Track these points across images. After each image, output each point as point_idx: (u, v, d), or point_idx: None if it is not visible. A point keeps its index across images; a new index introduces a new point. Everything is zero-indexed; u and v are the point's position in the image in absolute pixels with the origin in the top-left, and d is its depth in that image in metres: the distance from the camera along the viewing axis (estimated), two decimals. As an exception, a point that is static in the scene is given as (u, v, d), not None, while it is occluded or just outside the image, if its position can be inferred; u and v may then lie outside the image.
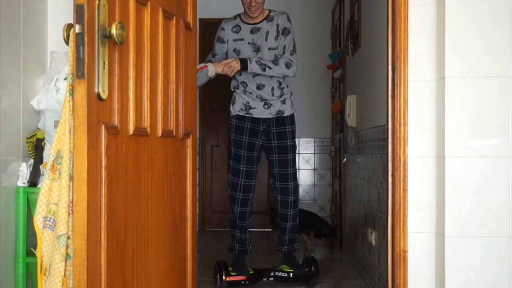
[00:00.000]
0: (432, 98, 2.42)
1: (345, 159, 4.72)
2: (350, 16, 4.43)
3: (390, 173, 2.46)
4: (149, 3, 1.82)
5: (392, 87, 2.45)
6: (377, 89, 3.33)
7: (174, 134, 2.07)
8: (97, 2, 1.51)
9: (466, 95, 2.29)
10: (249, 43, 3.58)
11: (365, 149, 3.78)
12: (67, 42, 1.73)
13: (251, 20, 3.60)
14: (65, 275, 1.74)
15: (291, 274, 3.66)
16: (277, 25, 3.58)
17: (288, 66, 3.54)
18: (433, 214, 2.41)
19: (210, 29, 6.11)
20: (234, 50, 3.61)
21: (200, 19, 5.64)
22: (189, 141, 2.21)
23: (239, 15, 3.67)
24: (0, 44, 2.30)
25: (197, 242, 2.34)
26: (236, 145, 3.62)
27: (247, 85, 3.60)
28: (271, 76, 3.56)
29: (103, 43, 1.54)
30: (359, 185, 4.01)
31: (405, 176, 2.41)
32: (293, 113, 3.70)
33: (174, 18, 2.04)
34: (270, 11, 3.63)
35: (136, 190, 1.76)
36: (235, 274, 3.60)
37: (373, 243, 3.37)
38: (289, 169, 3.66)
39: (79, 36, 1.47)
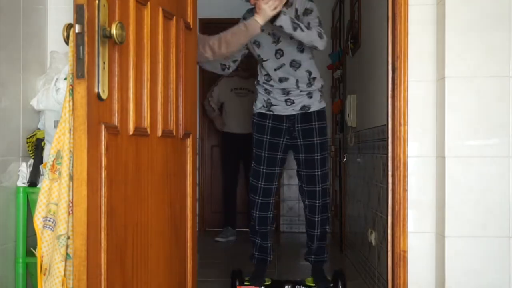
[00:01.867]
0: (432, 98, 2.42)
1: (345, 159, 4.72)
2: (350, 16, 4.43)
3: (390, 173, 2.46)
4: (149, 3, 1.82)
5: (392, 87, 2.45)
6: (377, 89, 3.33)
7: (174, 134, 2.07)
8: (97, 2, 1.51)
9: (466, 95, 2.29)
10: (269, 33, 3.25)
11: (365, 149, 3.78)
12: (67, 42, 1.73)
13: None
14: (65, 275, 1.74)
15: None
16: (296, 9, 3.24)
17: (320, 36, 3.14)
18: (433, 214, 2.42)
19: (210, 29, 6.11)
20: (255, 42, 3.29)
21: (200, 19, 5.62)
22: (189, 141, 2.21)
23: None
24: (0, 44, 2.30)
25: (197, 242, 2.34)
26: (257, 145, 3.32)
27: (270, 78, 3.29)
28: (301, 49, 3.23)
29: (103, 43, 1.54)
30: (359, 185, 4.01)
31: (405, 176, 2.41)
32: (322, 108, 3.33)
33: (174, 18, 2.04)
34: None
35: (136, 190, 1.76)
36: (249, 284, 3.30)
37: (373, 243, 3.37)
38: (316, 170, 3.30)
39: (79, 36, 1.47)
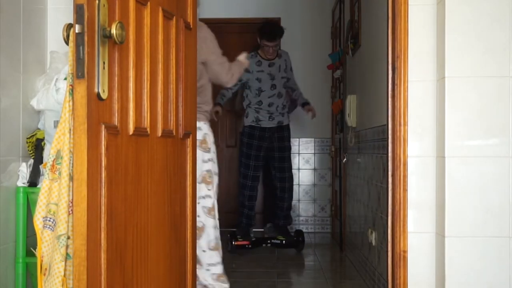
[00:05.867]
0: (432, 98, 2.42)
1: (345, 159, 4.72)
2: (350, 16, 4.43)
3: (390, 173, 2.46)
4: (149, 3, 1.82)
5: (392, 87, 2.45)
6: (377, 89, 3.33)
7: (174, 134, 2.07)
8: (97, 2, 1.51)
9: (466, 95, 2.29)
10: (268, 73, 4.88)
11: (365, 149, 3.78)
12: (67, 42, 1.73)
13: (267, 58, 4.87)
14: (65, 275, 1.74)
15: (284, 241, 4.88)
16: (285, 60, 4.99)
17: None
18: (433, 214, 2.41)
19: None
20: (257, 78, 4.87)
21: (200, 19, 5.63)
22: (189, 141, 2.21)
23: (257, 53, 4.90)
24: (0, 44, 2.30)
25: (197, 242, 2.34)
26: (248, 146, 4.94)
27: (262, 103, 4.91)
28: (280, 97, 4.96)
29: (103, 43, 1.54)
30: (359, 185, 4.01)
31: (405, 176, 2.41)
32: (288, 123, 5.05)
33: (174, 18, 2.04)
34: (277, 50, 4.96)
35: (136, 190, 1.76)
36: (242, 239, 4.79)
37: (373, 243, 3.37)
38: (286, 164, 5.02)
39: (79, 36, 1.47)
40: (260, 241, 4.92)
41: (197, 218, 2.74)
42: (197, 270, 2.77)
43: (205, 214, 2.77)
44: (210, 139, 2.80)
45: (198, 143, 2.73)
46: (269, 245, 4.88)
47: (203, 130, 2.77)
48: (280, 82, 4.93)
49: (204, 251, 2.77)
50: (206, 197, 2.78)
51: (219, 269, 2.80)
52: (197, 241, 2.76)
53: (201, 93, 2.81)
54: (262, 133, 4.95)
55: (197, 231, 2.74)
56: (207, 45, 2.81)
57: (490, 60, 2.29)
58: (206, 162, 2.78)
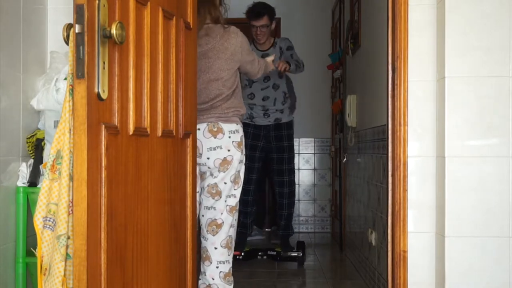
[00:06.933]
0: (432, 98, 2.42)
1: (345, 159, 4.72)
2: (350, 16, 4.43)
3: (390, 173, 2.47)
4: (149, 3, 1.82)
5: (392, 87, 2.45)
6: (377, 89, 3.33)
7: (174, 134, 2.07)
8: (97, 2, 1.51)
9: (466, 95, 2.30)
10: None
11: (365, 149, 3.78)
12: (67, 42, 1.73)
13: (260, 47, 4.49)
14: (65, 275, 1.74)
15: (280, 254, 4.37)
16: (280, 47, 4.53)
17: (302, 65, 4.47)
18: (433, 214, 2.42)
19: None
20: None
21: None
22: (189, 141, 2.21)
23: (253, 42, 4.48)
24: (0, 44, 2.30)
25: (196, 242, 2.34)
26: None
27: (254, 96, 4.48)
28: (276, 89, 4.48)
29: (103, 43, 1.54)
30: (359, 185, 4.01)
31: (405, 176, 2.41)
32: (290, 120, 4.56)
33: (174, 18, 2.04)
34: (274, 38, 4.60)
35: (136, 190, 1.76)
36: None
37: (373, 243, 3.37)
38: (284, 166, 4.53)
39: (79, 36, 1.47)
40: (254, 252, 4.49)
41: (219, 216, 2.84)
42: (206, 267, 2.84)
43: (227, 212, 2.84)
44: (244, 141, 2.91)
45: (236, 145, 2.85)
46: (264, 257, 4.44)
47: (240, 132, 2.88)
48: (274, 72, 4.39)
49: (216, 248, 2.82)
50: (231, 196, 2.86)
51: (227, 267, 2.84)
52: (213, 237, 2.84)
53: (237, 96, 2.90)
54: (257, 132, 4.55)
55: (216, 228, 2.84)
56: (243, 48, 2.90)
57: (490, 60, 2.29)
58: (240, 163, 2.87)
